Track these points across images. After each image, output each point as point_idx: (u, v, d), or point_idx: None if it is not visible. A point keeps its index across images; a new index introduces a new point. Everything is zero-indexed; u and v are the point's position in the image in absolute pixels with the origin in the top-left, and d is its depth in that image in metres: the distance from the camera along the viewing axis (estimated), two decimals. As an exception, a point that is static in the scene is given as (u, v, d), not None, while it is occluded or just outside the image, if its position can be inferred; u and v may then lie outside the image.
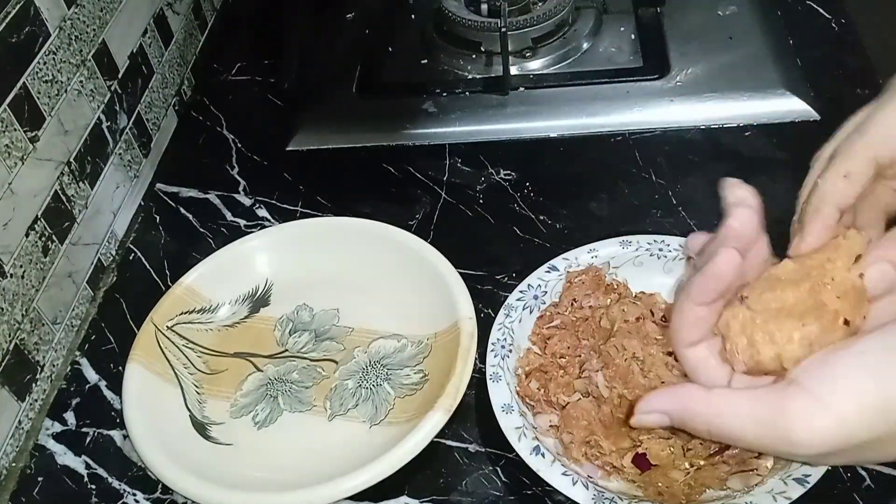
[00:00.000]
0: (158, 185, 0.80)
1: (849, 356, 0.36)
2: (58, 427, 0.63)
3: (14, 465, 0.60)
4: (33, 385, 0.63)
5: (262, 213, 0.76)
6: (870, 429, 0.34)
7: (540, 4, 0.85)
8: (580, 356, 0.59)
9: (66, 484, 0.59)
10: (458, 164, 0.78)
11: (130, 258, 0.74)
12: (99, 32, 0.73)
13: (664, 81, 0.79)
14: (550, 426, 0.56)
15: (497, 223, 0.72)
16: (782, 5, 0.87)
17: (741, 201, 0.40)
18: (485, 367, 0.58)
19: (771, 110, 0.76)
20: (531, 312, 0.61)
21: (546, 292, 0.62)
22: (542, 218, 0.72)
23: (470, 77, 0.84)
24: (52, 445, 0.61)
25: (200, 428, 0.60)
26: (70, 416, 0.63)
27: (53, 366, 0.65)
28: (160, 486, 0.58)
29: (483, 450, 0.58)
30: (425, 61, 0.87)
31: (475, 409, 0.59)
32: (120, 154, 0.76)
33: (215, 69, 0.93)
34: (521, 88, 0.82)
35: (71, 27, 0.68)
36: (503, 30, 0.79)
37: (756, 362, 0.40)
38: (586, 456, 0.54)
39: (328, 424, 0.60)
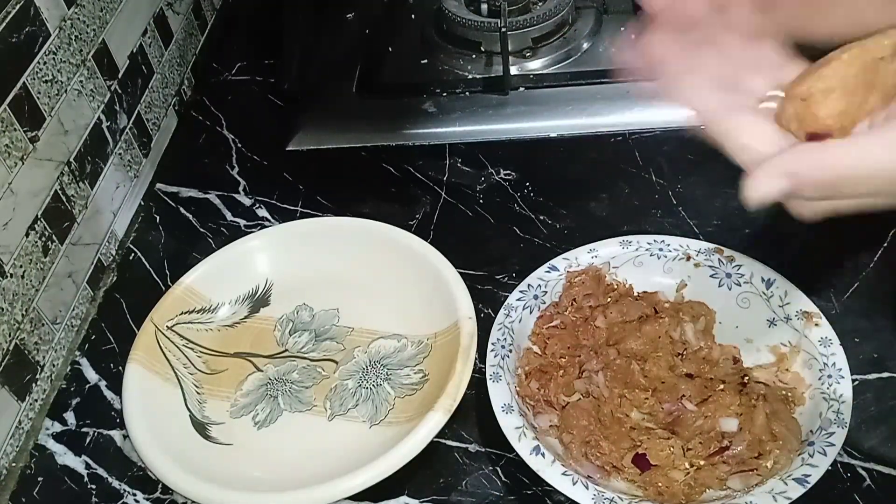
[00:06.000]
0: (158, 185, 0.80)
1: None
2: (58, 427, 0.63)
3: (14, 465, 0.60)
4: (33, 385, 0.63)
5: (262, 213, 0.76)
6: None
7: (540, 4, 0.85)
8: (580, 356, 0.59)
9: (66, 484, 0.59)
10: (458, 164, 0.78)
11: (130, 258, 0.74)
12: (99, 32, 0.73)
13: (664, 81, 0.79)
14: (550, 426, 0.56)
15: (497, 223, 0.72)
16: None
17: None
18: (485, 367, 0.58)
19: (771, 110, 0.76)
20: (531, 312, 0.61)
21: (546, 292, 0.62)
22: (542, 218, 0.72)
23: (470, 77, 0.84)
24: (52, 445, 0.61)
25: (200, 428, 0.60)
26: (70, 416, 0.63)
27: (53, 366, 0.65)
28: (160, 486, 0.58)
29: (483, 450, 0.58)
30: (425, 61, 0.87)
31: (475, 409, 0.59)
32: (120, 154, 0.76)
33: (215, 69, 0.93)
34: (521, 88, 0.82)
35: (71, 27, 0.68)
36: (503, 30, 0.79)
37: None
38: (586, 456, 0.54)
39: (328, 424, 0.60)
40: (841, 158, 0.36)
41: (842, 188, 0.37)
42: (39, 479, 0.60)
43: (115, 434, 0.62)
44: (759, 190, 0.37)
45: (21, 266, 0.61)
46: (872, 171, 0.36)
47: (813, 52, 0.43)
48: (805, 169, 0.36)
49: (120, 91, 0.76)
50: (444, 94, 0.82)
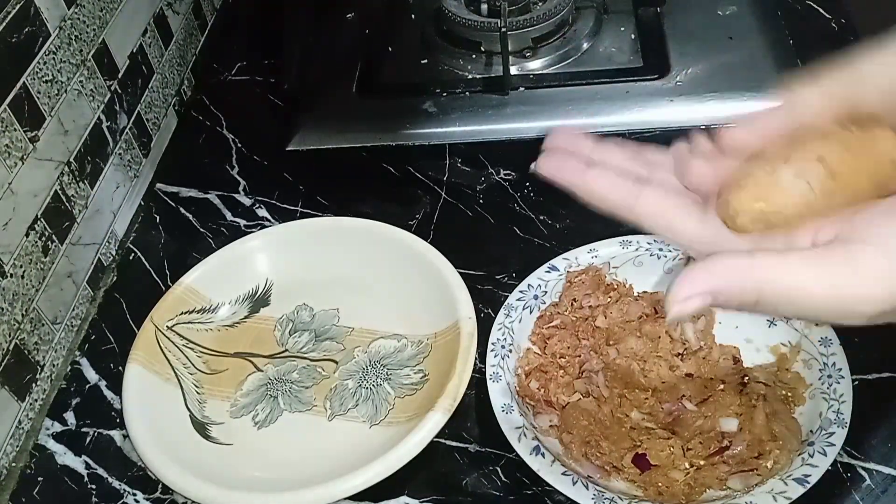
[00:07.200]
0: (158, 185, 0.80)
1: None
2: (58, 427, 0.63)
3: (14, 465, 0.60)
4: (33, 385, 0.63)
5: (262, 213, 0.76)
6: None
7: (540, 4, 0.85)
8: (580, 356, 0.59)
9: (66, 484, 0.59)
10: (458, 164, 0.78)
11: (130, 258, 0.74)
12: (99, 32, 0.73)
13: (664, 81, 0.79)
14: (550, 426, 0.56)
15: (497, 223, 0.72)
16: (782, 5, 0.87)
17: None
18: (485, 367, 0.58)
19: (771, 110, 0.76)
20: (531, 312, 0.61)
21: (546, 292, 0.62)
22: (542, 218, 0.72)
23: (470, 77, 0.84)
24: (52, 445, 0.61)
25: (200, 428, 0.60)
26: (70, 416, 0.63)
27: (53, 366, 0.65)
28: (160, 486, 0.58)
29: (483, 450, 0.58)
30: (425, 61, 0.87)
31: (475, 409, 0.59)
32: (120, 154, 0.76)
33: (215, 69, 0.93)
34: (521, 88, 0.82)
35: (71, 27, 0.68)
36: (503, 30, 0.79)
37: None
38: (586, 456, 0.54)
39: (328, 424, 0.60)
40: (765, 276, 0.32)
41: (766, 308, 0.33)
42: (39, 479, 0.60)
43: (115, 434, 0.62)
44: (679, 310, 0.34)
45: (21, 266, 0.61)
46: (797, 298, 0.32)
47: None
48: (726, 285, 0.33)
49: (120, 91, 0.76)
50: (444, 94, 0.82)
